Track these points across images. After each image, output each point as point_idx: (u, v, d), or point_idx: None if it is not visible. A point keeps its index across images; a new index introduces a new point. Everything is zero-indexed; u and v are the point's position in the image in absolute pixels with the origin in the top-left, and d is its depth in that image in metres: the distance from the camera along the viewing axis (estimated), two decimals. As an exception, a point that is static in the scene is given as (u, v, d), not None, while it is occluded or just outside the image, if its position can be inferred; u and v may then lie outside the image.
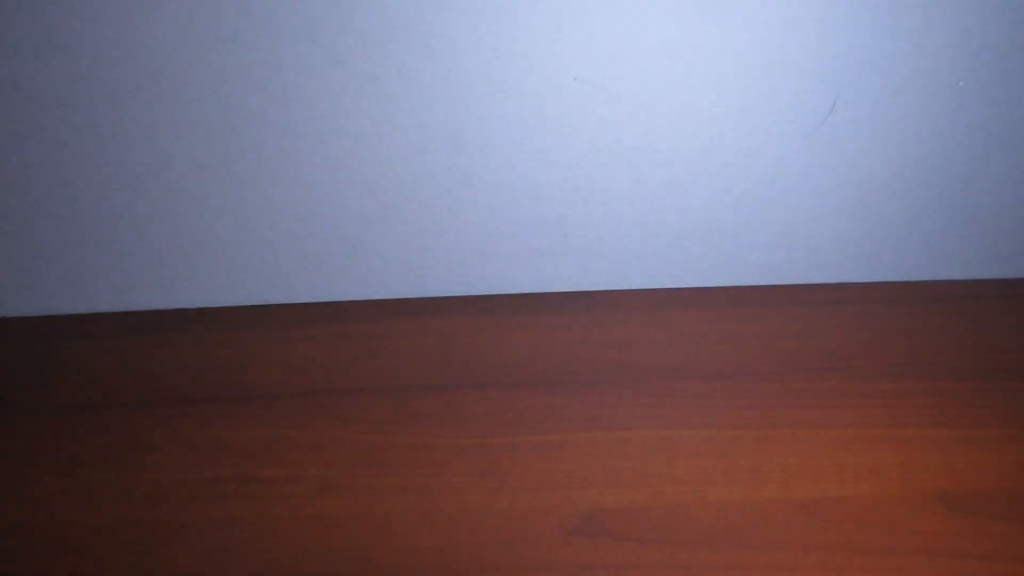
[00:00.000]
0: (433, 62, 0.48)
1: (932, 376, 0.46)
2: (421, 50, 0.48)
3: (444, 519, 0.35)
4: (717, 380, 0.46)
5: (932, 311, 0.54)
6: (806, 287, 0.58)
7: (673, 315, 0.53)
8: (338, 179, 0.52)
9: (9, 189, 0.51)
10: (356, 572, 0.33)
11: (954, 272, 0.59)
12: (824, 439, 0.41)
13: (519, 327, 0.52)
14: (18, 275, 0.54)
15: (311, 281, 0.56)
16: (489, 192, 0.53)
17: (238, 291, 0.56)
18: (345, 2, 0.46)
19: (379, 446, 0.41)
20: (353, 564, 0.33)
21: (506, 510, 0.36)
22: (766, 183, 0.54)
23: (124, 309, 0.56)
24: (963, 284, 0.58)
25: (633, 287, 0.58)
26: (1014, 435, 0.41)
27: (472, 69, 0.49)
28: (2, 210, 0.51)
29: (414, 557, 0.33)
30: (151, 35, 0.46)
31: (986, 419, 0.42)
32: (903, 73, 0.50)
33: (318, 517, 0.36)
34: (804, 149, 0.53)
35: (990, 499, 0.36)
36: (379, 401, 0.44)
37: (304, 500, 0.37)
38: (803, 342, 0.50)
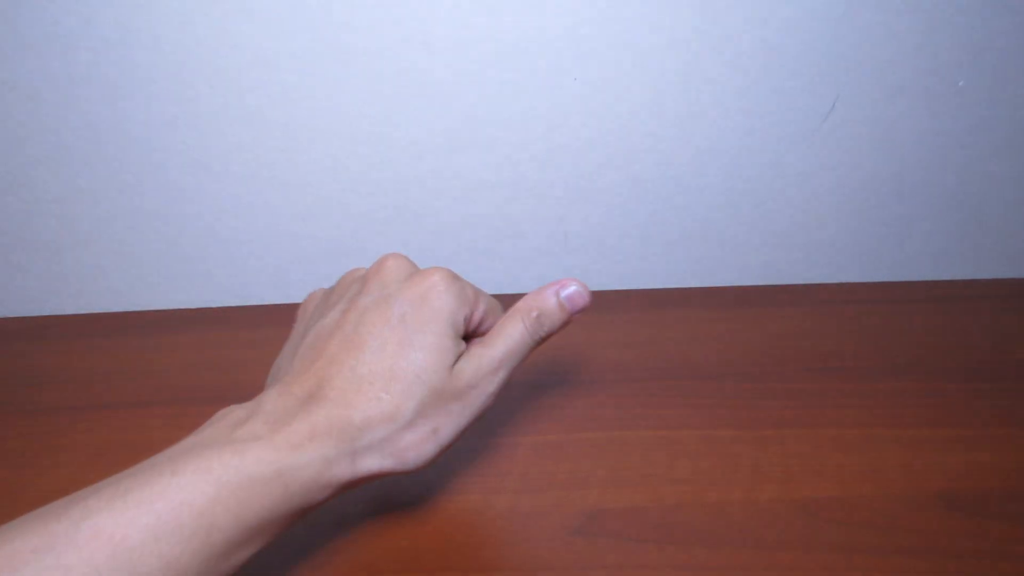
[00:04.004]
0: (433, 62, 0.48)
1: (932, 376, 0.46)
2: (421, 50, 0.48)
3: (444, 519, 0.35)
4: (717, 380, 0.46)
5: (932, 311, 0.54)
6: (806, 287, 0.58)
7: (673, 315, 0.53)
8: (338, 179, 0.52)
9: (9, 189, 0.51)
10: (356, 572, 0.33)
11: (954, 272, 0.59)
12: (824, 439, 0.41)
13: (519, 327, 0.52)
14: (18, 275, 0.54)
15: (311, 281, 0.56)
16: (489, 192, 0.53)
17: (238, 291, 0.56)
18: (345, 2, 0.46)
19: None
20: (353, 564, 0.33)
21: (506, 510, 0.36)
22: (766, 183, 0.54)
23: (124, 309, 0.56)
24: (963, 284, 0.58)
25: (633, 287, 0.58)
26: (1014, 435, 0.41)
27: (472, 69, 0.49)
28: (2, 210, 0.51)
29: (414, 557, 0.33)
30: (151, 35, 0.46)
31: (986, 419, 0.42)
32: (903, 73, 0.50)
33: (319, 517, 0.36)
34: (804, 149, 0.53)
35: (990, 499, 0.36)
36: (379, 401, 0.44)
37: (304, 500, 0.37)
38: (803, 342, 0.50)
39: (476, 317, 0.33)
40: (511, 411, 0.43)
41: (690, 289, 0.57)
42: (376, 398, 0.29)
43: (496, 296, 0.56)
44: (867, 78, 0.50)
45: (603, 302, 0.55)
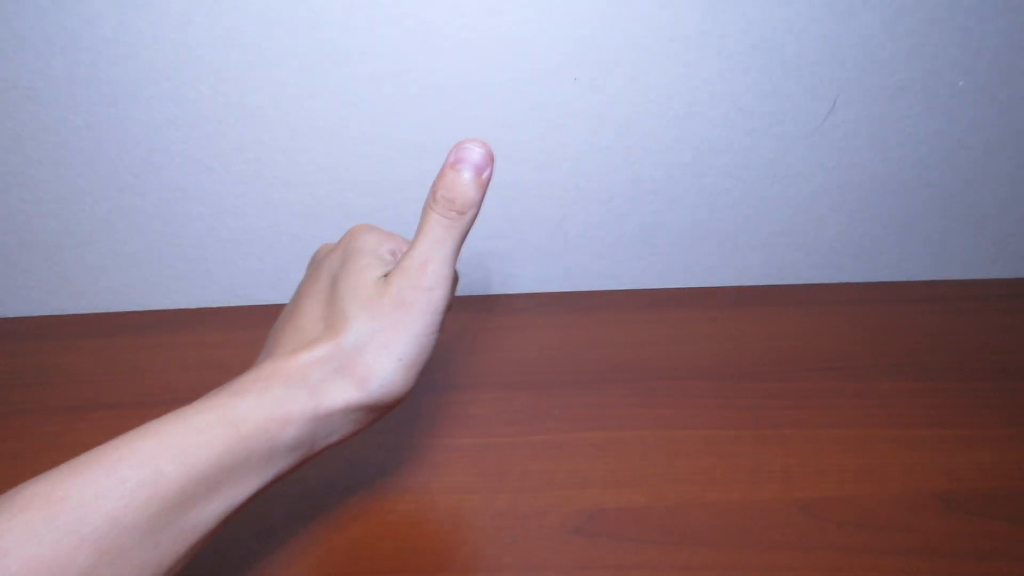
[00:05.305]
0: (433, 62, 0.48)
1: (932, 376, 0.46)
2: (421, 50, 0.48)
3: (444, 519, 0.35)
4: (717, 380, 0.46)
5: (932, 311, 0.54)
6: (806, 287, 0.58)
7: (673, 315, 0.53)
8: (338, 179, 0.52)
9: (9, 189, 0.51)
10: (356, 572, 0.33)
11: (954, 272, 0.59)
12: (824, 439, 0.41)
13: (519, 327, 0.52)
14: (18, 275, 0.54)
15: (311, 281, 0.56)
16: (489, 192, 0.53)
17: (238, 291, 0.56)
18: (345, 2, 0.46)
19: (380, 446, 0.41)
20: (353, 564, 0.33)
21: (506, 510, 0.36)
22: (766, 183, 0.54)
23: (124, 309, 0.56)
24: (963, 284, 0.58)
25: (633, 287, 0.58)
26: (1014, 435, 0.41)
27: (471, 69, 0.49)
28: (2, 210, 0.51)
29: (414, 557, 0.33)
30: (151, 35, 0.46)
31: (986, 419, 0.42)
32: (903, 73, 0.50)
33: (319, 517, 0.36)
34: (804, 149, 0.53)
35: (990, 499, 0.36)
36: (379, 401, 0.44)
37: (304, 500, 0.37)
38: (803, 342, 0.50)
39: (405, 251, 0.32)
40: (511, 411, 0.43)
41: (690, 289, 0.57)
42: (317, 335, 0.29)
43: (495, 296, 0.57)
44: (867, 78, 0.50)
45: (603, 302, 0.55)
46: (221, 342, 0.50)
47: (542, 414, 0.43)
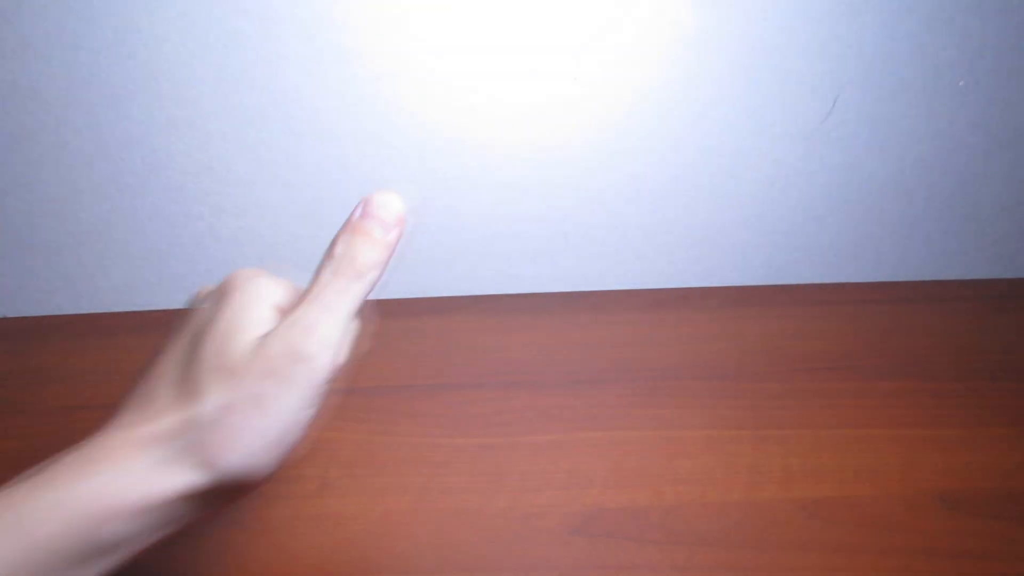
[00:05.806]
0: (433, 62, 0.48)
1: (932, 376, 0.46)
2: (421, 50, 0.48)
3: (444, 519, 0.35)
4: (717, 380, 0.46)
5: (932, 311, 0.54)
6: (806, 287, 0.58)
7: (673, 315, 0.53)
8: (338, 179, 0.52)
9: (9, 189, 0.51)
10: (356, 572, 0.33)
11: (954, 272, 0.59)
12: (824, 439, 0.41)
13: (519, 327, 0.52)
14: (18, 275, 0.54)
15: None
16: (489, 192, 0.53)
17: (238, 291, 0.56)
18: (345, 2, 0.46)
19: (379, 446, 0.41)
20: (353, 564, 0.33)
21: (506, 510, 0.36)
22: (766, 183, 0.54)
23: (124, 309, 0.56)
24: (963, 284, 0.58)
25: (633, 287, 0.58)
26: (1014, 435, 0.41)
27: (472, 69, 0.49)
28: (2, 210, 0.51)
29: (414, 557, 0.33)
30: (151, 35, 0.46)
31: (986, 419, 0.42)
32: (903, 73, 0.50)
33: (318, 517, 0.36)
34: (804, 149, 0.53)
35: (990, 499, 0.36)
36: (379, 401, 0.44)
37: (304, 500, 0.37)
38: (803, 342, 0.50)
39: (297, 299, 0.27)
40: (511, 411, 0.43)
41: (690, 289, 0.57)
42: (166, 405, 0.25)
43: (494, 296, 0.56)
44: (867, 78, 0.50)
45: (603, 302, 0.55)
46: (221, 342, 0.50)
47: (542, 414, 0.43)
